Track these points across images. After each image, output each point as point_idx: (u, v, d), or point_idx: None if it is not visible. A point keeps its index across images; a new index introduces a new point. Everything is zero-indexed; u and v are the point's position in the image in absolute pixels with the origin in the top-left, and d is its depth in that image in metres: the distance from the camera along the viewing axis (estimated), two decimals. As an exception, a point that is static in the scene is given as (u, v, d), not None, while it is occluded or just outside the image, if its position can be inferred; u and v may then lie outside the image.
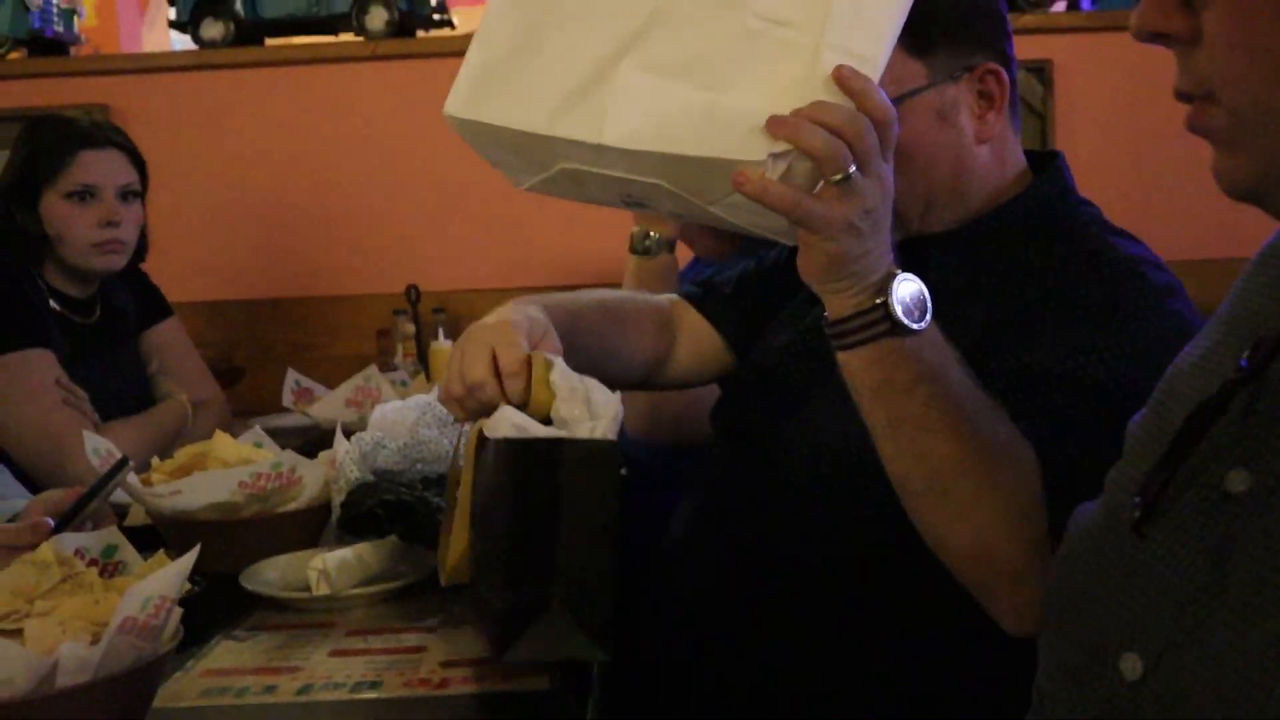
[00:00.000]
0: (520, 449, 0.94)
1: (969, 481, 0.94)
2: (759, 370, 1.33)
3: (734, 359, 1.41)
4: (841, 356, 0.97)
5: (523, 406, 1.00)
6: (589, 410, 0.99)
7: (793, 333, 1.30)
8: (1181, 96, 0.65)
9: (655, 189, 0.94)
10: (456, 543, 1.01)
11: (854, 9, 0.90)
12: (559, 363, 1.02)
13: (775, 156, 0.88)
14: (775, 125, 0.88)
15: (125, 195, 2.00)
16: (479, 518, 0.99)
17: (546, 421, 1.01)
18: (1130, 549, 0.69)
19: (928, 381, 0.95)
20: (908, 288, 0.95)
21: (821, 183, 0.90)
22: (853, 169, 0.89)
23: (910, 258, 1.15)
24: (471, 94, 0.97)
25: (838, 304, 0.96)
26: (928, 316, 0.95)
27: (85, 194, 1.95)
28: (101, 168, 1.97)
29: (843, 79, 0.89)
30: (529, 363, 1.03)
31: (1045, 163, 1.24)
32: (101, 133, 2.02)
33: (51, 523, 1.15)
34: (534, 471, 0.93)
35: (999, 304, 1.12)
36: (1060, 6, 2.81)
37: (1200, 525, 0.64)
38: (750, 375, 1.36)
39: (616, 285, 2.68)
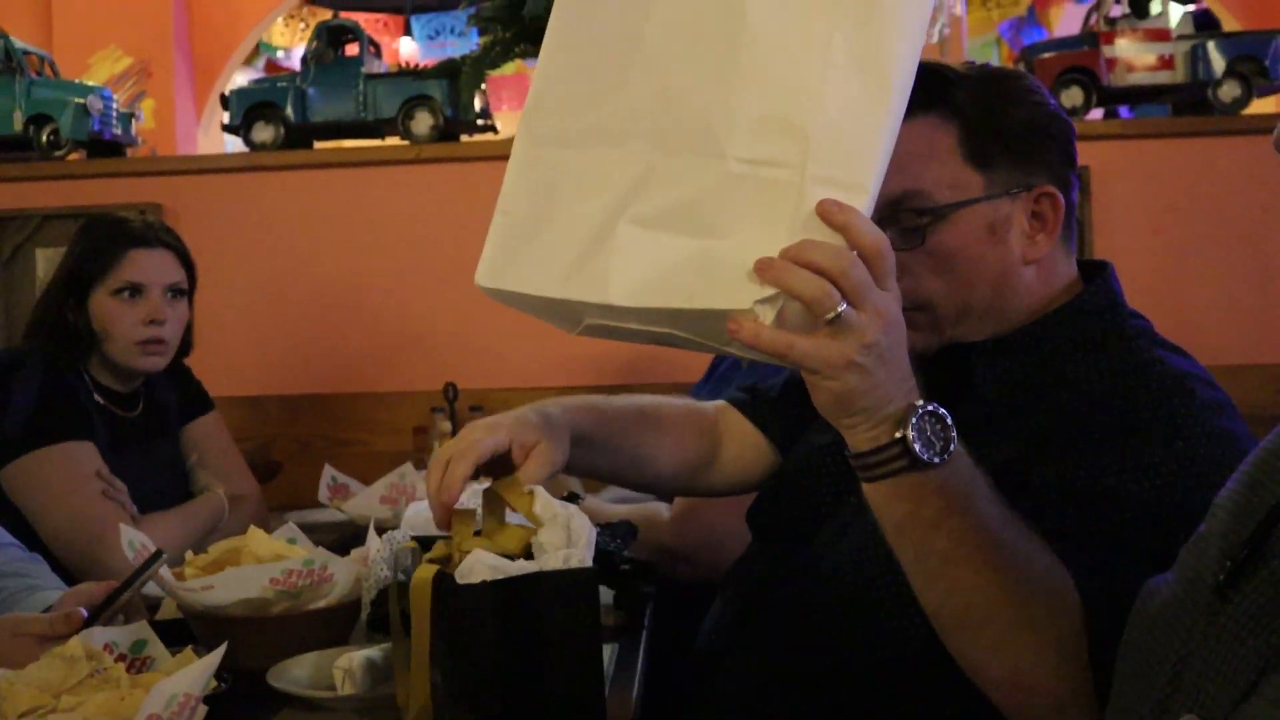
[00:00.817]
0: (499, 589, 0.94)
1: (1004, 616, 0.93)
2: (799, 470, 1.33)
3: (780, 462, 1.41)
4: (866, 488, 0.96)
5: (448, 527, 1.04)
6: (568, 537, 0.99)
7: (835, 433, 1.29)
8: None
9: (671, 335, 0.95)
10: (418, 687, 1.00)
11: (833, 137, 0.88)
12: (540, 492, 1.04)
13: (762, 302, 0.86)
14: (761, 270, 0.87)
15: (172, 294, 2.04)
16: (446, 658, 0.98)
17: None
18: (1207, 612, 0.69)
19: (956, 515, 0.93)
20: (929, 420, 0.92)
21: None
22: (843, 307, 0.86)
23: (954, 366, 1.18)
24: (495, 263, 1.02)
25: (855, 439, 0.94)
26: (952, 448, 0.92)
27: (133, 291, 1.99)
28: (150, 266, 2.02)
29: (825, 214, 0.87)
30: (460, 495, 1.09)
31: (1095, 273, 1.24)
32: (153, 232, 2.06)
33: (85, 613, 1.15)
34: (514, 608, 0.93)
35: (1044, 415, 1.11)
36: (1097, 114, 2.84)
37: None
38: (790, 475, 1.35)
39: (654, 386, 2.69)
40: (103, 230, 2.05)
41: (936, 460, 0.91)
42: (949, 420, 0.93)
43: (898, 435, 0.91)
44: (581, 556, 0.98)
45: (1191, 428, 1.04)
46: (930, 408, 0.92)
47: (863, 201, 0.88)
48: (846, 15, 0.90)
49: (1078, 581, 0.95)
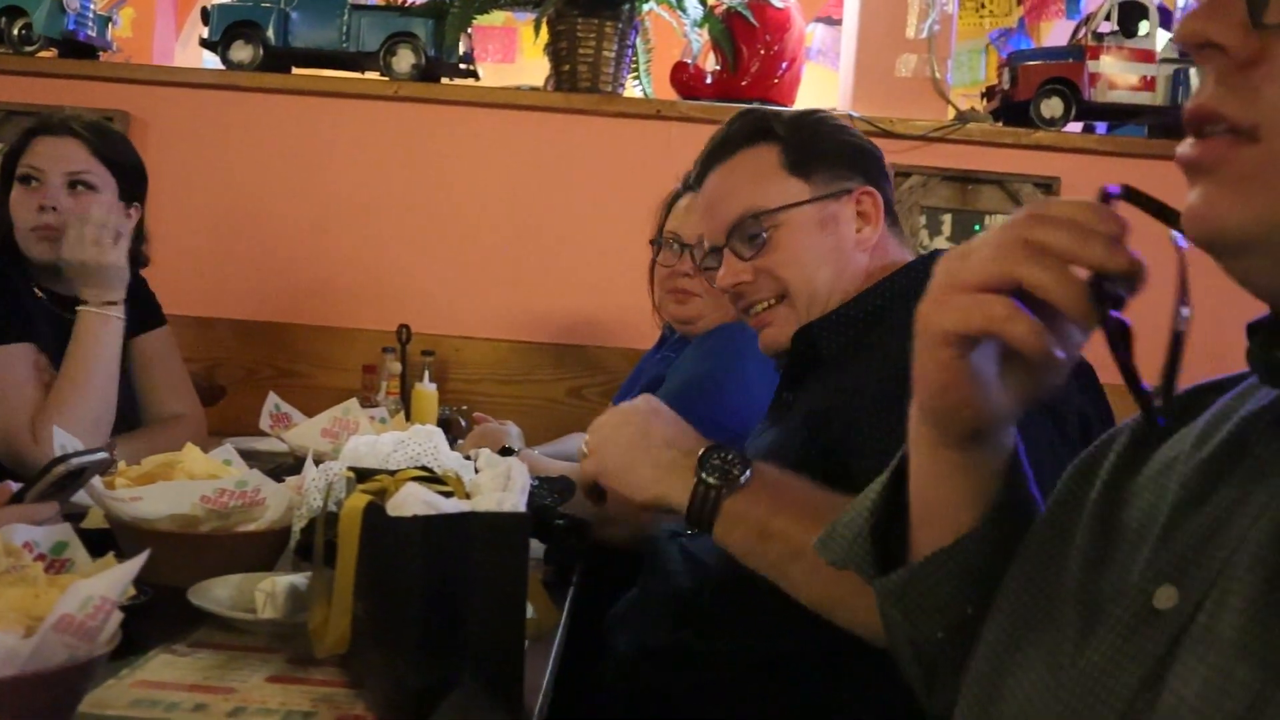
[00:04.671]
0: (429, 524, 0.94)
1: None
2: None
3: None
4: (713, 536, 1.15)
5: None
6: (505, 484, 1.02)
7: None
8: (1209, 117, 0.60)
9: None
10: (338, 616, 1.00)
11: None
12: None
13: None
14: None
15: (75, 184, 1.98)
16: (370, 590, 0.98)
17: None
18: (1067, 661, 0.67)
19: (780, 517, 1.11)
20: (715, 455, 1.13)
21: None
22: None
23: (805, 344, 1.38)
24: None
25: (675, 502, 1.15)
26: (748, 471, 1.12)
27: (29, 178, 1.95)
28: (49, 153, 1.97)
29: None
30: None
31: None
32: (63, 121, 2.01)
33: (14, 486, 1.13)
34: (442, 546, 0.93)
35: (862, 369, 1.25)
36: (1075, 127, 2.86)
37: (1133, 642, 0.63)
38: None
39: (609, 346, 2.69)
40: (28, 122, 2.02)
41: (739, 483, 1.12)
42: (731, 453, 1.13)
43: (697, 478, 1.13)
44: (515, 501, 0.98)
45: None
46: (708, 448, 1.14)
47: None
48: None
49: None
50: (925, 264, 1.33)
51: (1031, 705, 0.68)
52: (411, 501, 0.95)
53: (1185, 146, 0.62)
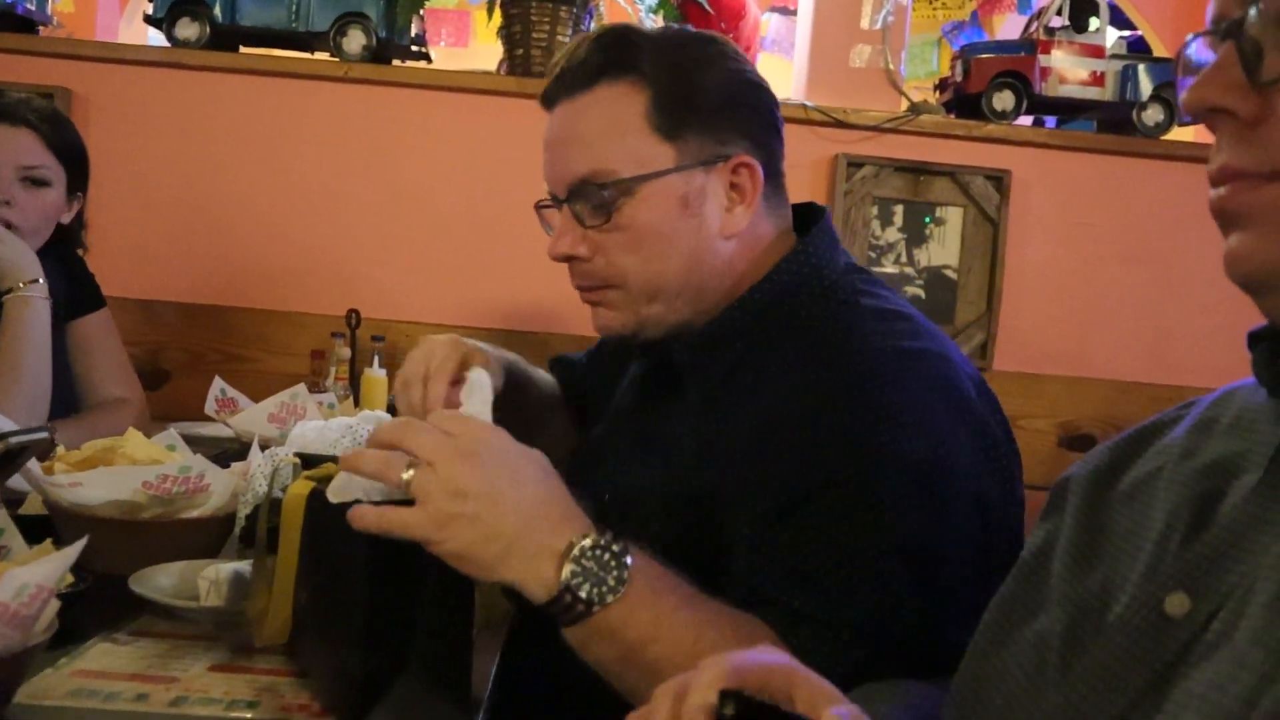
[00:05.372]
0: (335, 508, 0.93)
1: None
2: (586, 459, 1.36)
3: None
4: (565, 633, 0.92)
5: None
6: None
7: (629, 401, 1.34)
8: (1230, 176, 0.63)
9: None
10: (279, 604, 0.98)
11: None
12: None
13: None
14: (342, 463, 0.93)
15: (29, 179, 1.94)
16: (311, 577, 0.97)
17: None
18: (1059, 659, 0.69)
19: (662, 623, 0.90)
20: (593, 554, 0.88)
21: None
22: (409, 473, 0.88)
23: (661, 364, 1.21)
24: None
25: (529, 591, 0.90)
26: (627, 575, 0.89)
27: None
28: (2, 144, 1.92)
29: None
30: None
31: (810, 220, 1.21)
32: (19, 110, 1.96)
33: None
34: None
35: (742, 422, 1.08)
36: (1026, 121, 2.89)
37: (1143, 645, 0.65)
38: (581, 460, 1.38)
39: (561, 333, 2.68)
40: None
41: (610, 599, 0.88)
42: (615, 548, 0.89)
43: (564, 578, 0.88)
44: (477, 410, 0.98)
45: (884, 448, 0.98)
46: (590, 541, 0.89)
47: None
48: None
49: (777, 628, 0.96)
50: (795, 266, 1.16)
51: (1017, 701, 0.69)
52: (353, 487, 0.93)
53: (1214, 195, 0.65)
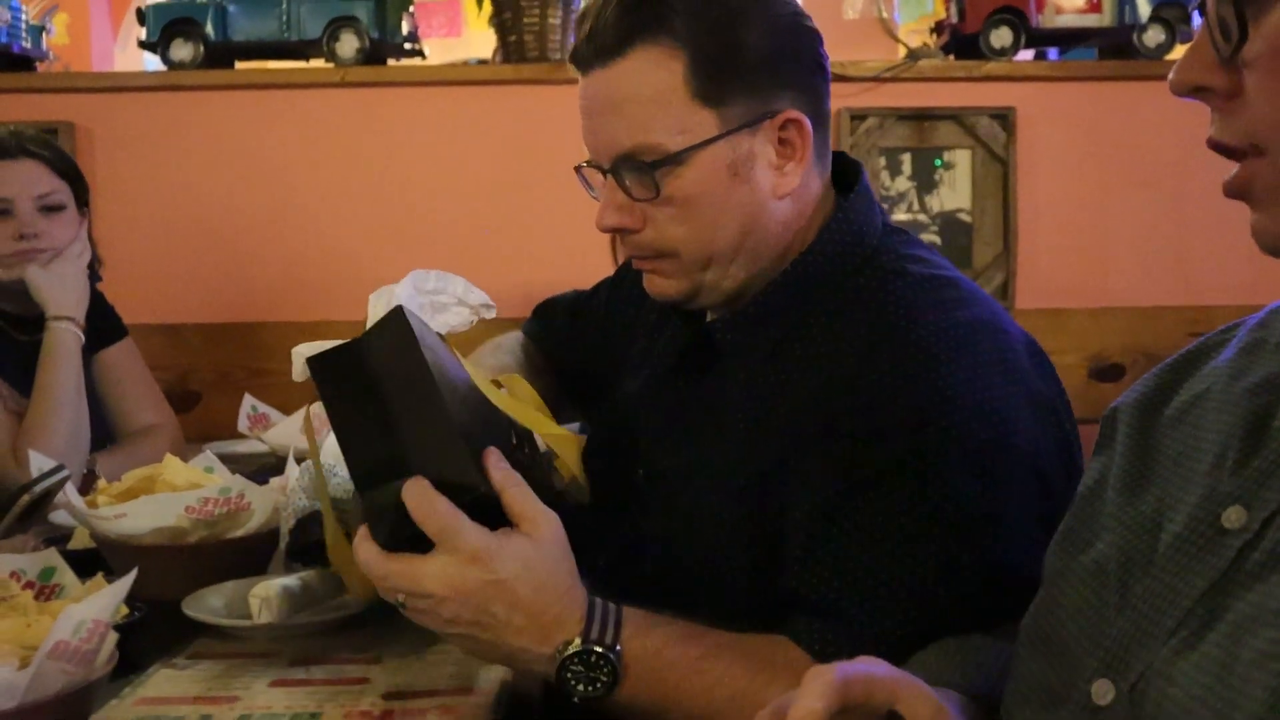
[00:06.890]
0: (323, 360, 0.99)
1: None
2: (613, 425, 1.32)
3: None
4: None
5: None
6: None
7: (643, 376, 1.29)
8: (1220, 148, 0.67)
9: None
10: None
11: None
12: None
13: None
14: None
15: (45, 208, 1.97)
16: (361, 436, 1.00)
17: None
18: (1117, 583, 0.71)
19: (670, 690, 0.94)
20: (576, 662, 0.92)
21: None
22: (400, 596, 0.93)
23: (698, 340, 1.19)
24: None
25: (536, 672, 0.97)
26: (618, 676, 0.93)
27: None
28: (14, 179, 1.95)
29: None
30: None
31: (849, 177, 1.18)
32: (16, 142, 1.99)
33: None
34: (349, 378, 0.98)
35: (791, 407, 1.07)
36: (1027, 55, 2.86)
37: (1200, 559, 0.66)
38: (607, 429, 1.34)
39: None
40: None
41: (605, 693, 0.93)
42: (600, 648, 0.92)
43: (559, 677, 0.93)
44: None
45: (941, 432, 0.99)
46: (575, 648, 0.92)
47: None
48: None
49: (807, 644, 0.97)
50: (838, 234, 1.14)
51: (1082, 631, 0.72)
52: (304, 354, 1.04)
53: (1225, 179, 0.68)
